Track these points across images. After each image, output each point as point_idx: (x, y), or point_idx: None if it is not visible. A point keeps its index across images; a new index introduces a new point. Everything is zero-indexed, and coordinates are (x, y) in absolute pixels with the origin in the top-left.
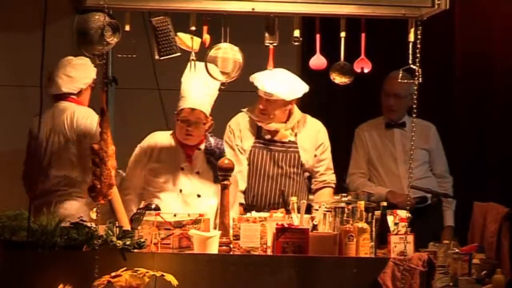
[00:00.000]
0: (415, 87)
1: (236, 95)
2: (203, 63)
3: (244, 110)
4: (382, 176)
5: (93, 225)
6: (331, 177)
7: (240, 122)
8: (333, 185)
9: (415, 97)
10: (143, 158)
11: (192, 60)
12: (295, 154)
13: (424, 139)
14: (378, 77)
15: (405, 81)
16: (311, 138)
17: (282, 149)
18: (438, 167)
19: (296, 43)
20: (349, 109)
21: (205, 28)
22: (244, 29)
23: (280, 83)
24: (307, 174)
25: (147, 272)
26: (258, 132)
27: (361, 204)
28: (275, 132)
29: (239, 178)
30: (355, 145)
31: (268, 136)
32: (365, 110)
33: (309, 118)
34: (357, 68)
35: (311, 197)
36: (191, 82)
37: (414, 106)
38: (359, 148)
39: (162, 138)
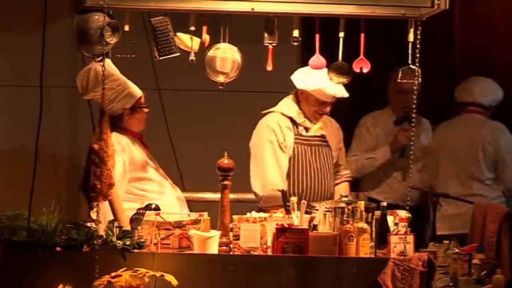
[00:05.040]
0: (415, 87)
1: (236, 95)
2: None
3: (276, 110)
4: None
5: (93, 225)
6: (348, 171)
7: (279, 121)
8: (351, 179)
9: (415, 97)
10: None
11: (192, 60)
12: (328, 148)
13: (425, 135)
14: (378, 77)
15: (405, 81)
16: (333, 133)
17: (318, 144)
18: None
19: (296, 43)
20: (350, 108)
21: (204, 28)
22: (244, 29)
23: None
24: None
25: (147, 272)
26: (294, 128)
27: (361, 204)
28: (308, 128)
29: (276, 177)
30: (360, 133)
31: (305, 132)
32: (366, 110)
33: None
34: (356, 68)
35: None
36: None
37: (414, 106)
38: (367, 136)
39: None
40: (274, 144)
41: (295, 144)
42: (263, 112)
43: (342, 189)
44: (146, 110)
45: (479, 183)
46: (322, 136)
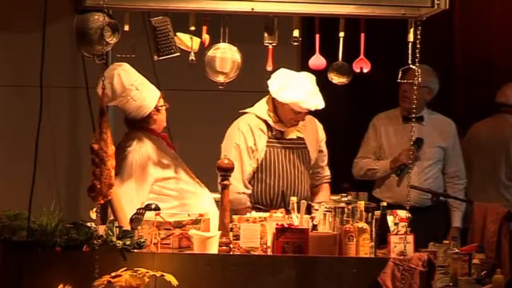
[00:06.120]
0: (415, 87)
1: (235, 95)
2: None
3: (251, 111)
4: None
5: (93, 225)
6: (329, 173)
7: (250, 123)
8: (330, 180)
9: (414, 97)
10: None
11: (192, 60)
12: (305, 150)
13: (442, 136)
14: (378, 77)
15: (405, 81)
16: (313, 134)
17: (294, 146)
18: (452, 166)
19: (296, 43)
20: (349, 109)
21: (204, 28)
22: (244, 29)
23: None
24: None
25: (147, 272)
26: (268, 131)
27: (361, 204)
28: (283, 131)
29: (238, 181)
30: (367, 135)
31: (279, 135)
32: (366, 110)
33: (307, 115)
34: (356, 68)
35: None
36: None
37: (414, 106)
38: (371, 140)
39: None
40: (240, 148)
41: (267, 147)
42: (240, 111)
43: (323, 190)
44: (166, 106)
45: None
46: (299, 138)
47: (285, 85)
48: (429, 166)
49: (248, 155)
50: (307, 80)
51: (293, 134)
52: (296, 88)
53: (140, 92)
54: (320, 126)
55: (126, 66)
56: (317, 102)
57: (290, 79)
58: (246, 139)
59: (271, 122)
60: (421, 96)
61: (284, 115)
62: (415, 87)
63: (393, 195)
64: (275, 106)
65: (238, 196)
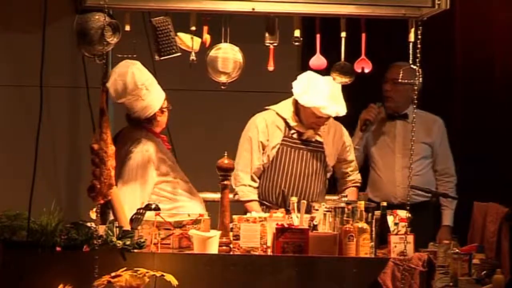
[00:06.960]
0: (415, 87)
1: (236, 95)
2: None
3: (273, 108)
4: (379, 168)
5: (93, 225)
6: (357, 177)
7: (267, 119)
8: (359, 184)
9: (415, 97)
10: None
11: (192, 60)
12: (321, 154)
13: (427, 132)
14: (378, 77)
15: (405, 81)
16: (335, 140)
17: (309, 149)
18: (440, 164)
19: (297, 43)
20: (349, 109)
21: (205, 28)
22: (244, 29)
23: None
24: (329, 174)
25: (147, 272)
26: (285, 130)
27: (361, 204)
28: (302, 132)
29: (245, 173)
30: (354, 137)
31: (296, 135)
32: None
33: (331, 120)
34: (357, 68)
35: (327, 197)
36: None
37: (414, 106)
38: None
39: None
40: (252, 141)
41: (280, 145)
42: (266, 108)
43: (350, 193)
44: (169, 108)
45: None
46: (317, 142)
47: (308, 88)
48: (414, 162)
49: (258, 149)
50: (331, 86)
51: (311, 137)
52: (319, 93)
53: (149, 92)
54: (346, 134)
55: (139, 64)
56: (338, 108)
57: (314, 83)
58: (259, 133)
59: (290, 121)
60: (405, 93)
61: (306, 118)
62: (415, 87)
63: (380, 194)
64: (298, 108)
65: (243, 188)
